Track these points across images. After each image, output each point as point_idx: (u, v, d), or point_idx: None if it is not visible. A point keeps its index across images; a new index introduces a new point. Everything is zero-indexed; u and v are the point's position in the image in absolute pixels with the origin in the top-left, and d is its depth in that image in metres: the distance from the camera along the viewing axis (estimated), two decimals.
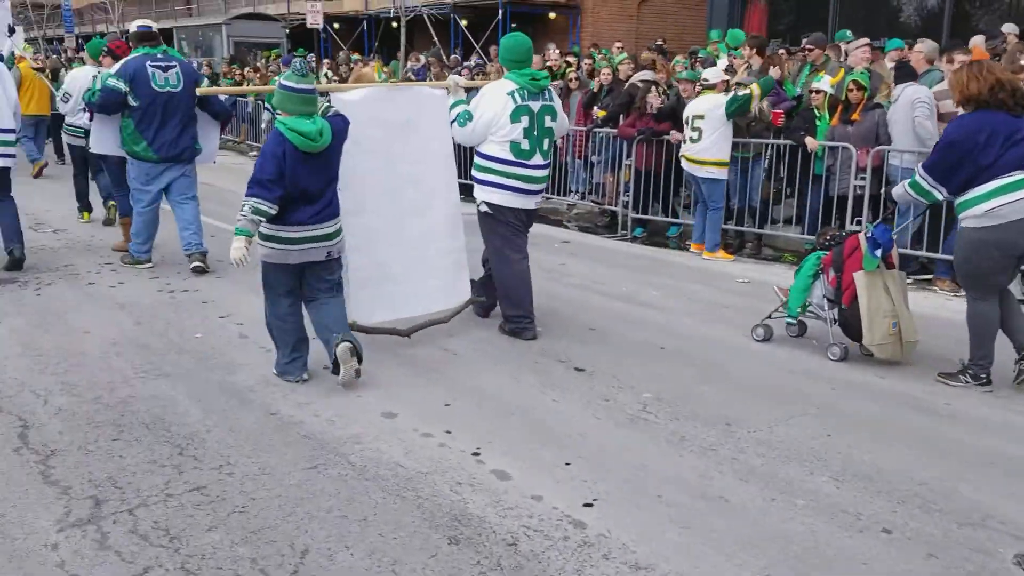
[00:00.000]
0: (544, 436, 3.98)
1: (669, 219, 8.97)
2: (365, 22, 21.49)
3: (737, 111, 7.56)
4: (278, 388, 4.48)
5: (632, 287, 6.92)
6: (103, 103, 6.49)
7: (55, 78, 12.39)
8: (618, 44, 12.79)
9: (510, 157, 5.11)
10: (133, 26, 6.98)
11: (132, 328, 5.51)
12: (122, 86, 6.41)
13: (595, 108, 9.53)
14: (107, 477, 3.49)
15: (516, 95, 5.07)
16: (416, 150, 5.20)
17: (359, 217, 4.91)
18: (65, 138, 9.07)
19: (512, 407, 4.33)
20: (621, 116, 9.07)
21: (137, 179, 6.71)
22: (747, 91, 7.53)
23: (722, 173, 7.82)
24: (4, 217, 6.78)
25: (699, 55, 11.37)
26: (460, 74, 10.11)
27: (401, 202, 5.15)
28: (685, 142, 7.93)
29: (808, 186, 7.72)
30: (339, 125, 4.40)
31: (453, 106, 5.23)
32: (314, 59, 21.62)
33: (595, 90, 9.81)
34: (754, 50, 8.87)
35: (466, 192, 5.58)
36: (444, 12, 18.43)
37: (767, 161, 8.26)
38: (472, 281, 5.65)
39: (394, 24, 21.59)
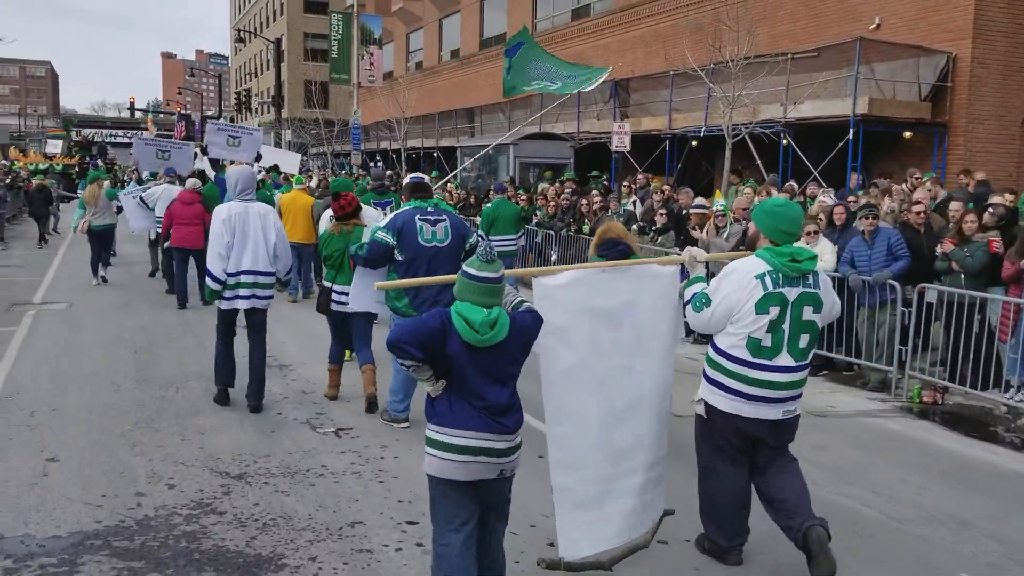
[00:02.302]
0: None
1: None
2: (668, 142, 18.81)
3: None
4: None
5: None
6: (370, 256, 6.37)
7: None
8: None
9: (745, 356, 4.21)
10: (406, 178, 6.90)
11: None
12: (390, 239, 6.28)
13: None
14: None
15: (768, 279, 4.18)
16: (631, 339, 4.33)
17: (561, 426, 4.13)
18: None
19: None
20: None
21: None
22: None
23: None
24: (253, 353, 7.25)
25: None
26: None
27: (610, 406, 4.29)
28: None
29: None
30: (525, 321, 3.74)
31: (690, 283, 4.47)
32: (606, 179, 19.39)
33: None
34: None
35: None
36: (774, 130, 15.24)
37: None
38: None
39: (693, 143, 18.93)
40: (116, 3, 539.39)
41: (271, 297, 7.30)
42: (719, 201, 11.48)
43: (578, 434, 4.19)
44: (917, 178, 12.60)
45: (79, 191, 23.35)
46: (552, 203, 15.89)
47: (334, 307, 7.24)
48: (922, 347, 8.89)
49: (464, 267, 3.67)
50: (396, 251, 6.29)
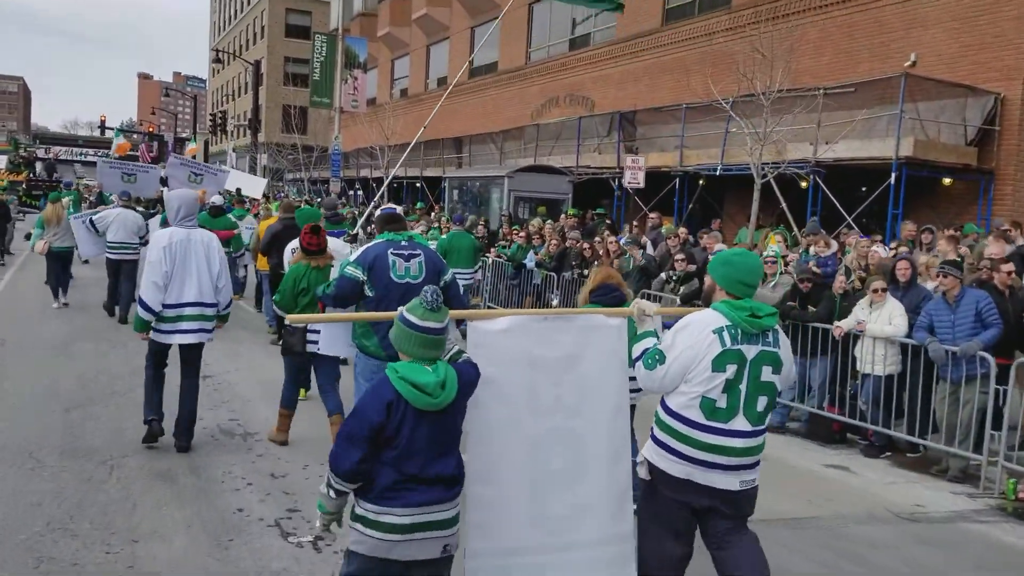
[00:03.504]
0: None
1: None
2: (678, 179, 17.41)
3: None
4: None
5: None
6: (339, 293, 5.70)
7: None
8: None
9: (697, 418, 3.80)
10: (378, 211, 6.56)
11: None
12: (360, 275, 5.68)
13: None
14: None
15: (726, 334, 3.80)
16: (572, 397, 3.91)
17: (484, 487, 3.74)
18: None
19: None
20: None
21: (362, 374, 5.77)
22: None
23: None
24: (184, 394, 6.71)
25: None
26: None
27: (546, 469, 3.86)
28: None
29: None
30: (469, 375, 3.41)
31: (638, 339, 4.01)
32: (607, 218, 17.97)
33: None
34: None
35: None
36: (806, 171, 13.85)
37: None
38: None
39: (700, 182, 17.59)
40: (95, 23, 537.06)
41: (213, 331, 6.81)
42: (772, 247, 10.03)
43: (504, 497, 3.80)
44: (957, 229, 11.32)
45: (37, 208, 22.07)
46: (554, 242, 14.46)
47: (310, 348, 6.67)
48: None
49: (404, 313, 3.29)
50: (366, 287, 5.73)
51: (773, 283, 9.62)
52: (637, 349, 4.01)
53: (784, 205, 13.99)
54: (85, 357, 9.88)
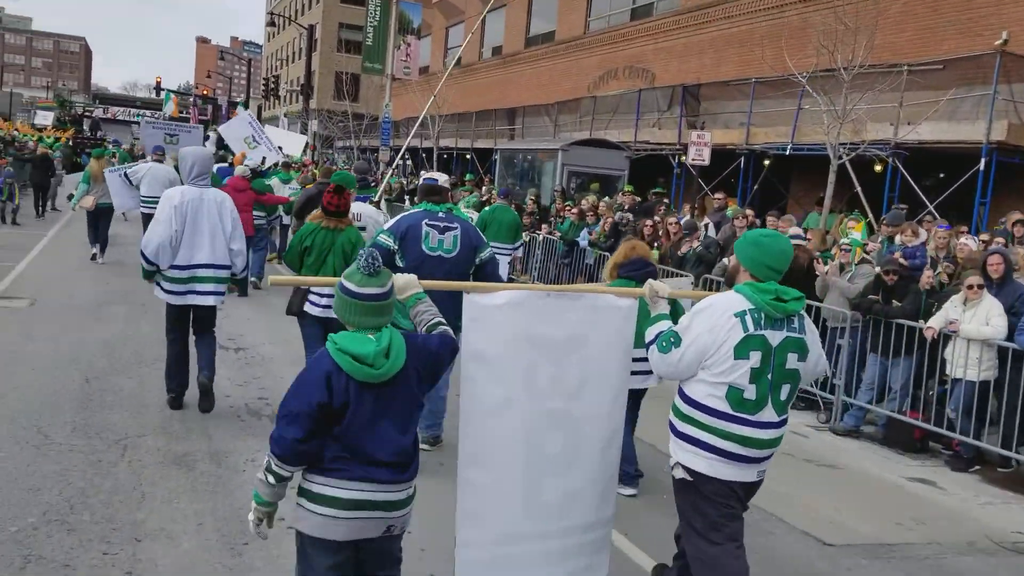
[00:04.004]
0: None
1: None
2: (743, 158, 16.45)
3: None
4: None
5: None
6: None
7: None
8: None
9: (725, 408, 3.55)
10: (421, 177, 6.42)
11: None
12: (392, 243, 5.58)
13: None
14: None
15: (749, 318, 3.53)
16: (574, 379, 3.69)
17: (477, 471, 3.54)
18: None
19: None
20: None
21: None
22: None
23: None
24: (201, 348, 6.62)
25: None
26: None
27: (541, 454, 3.63)
28: None
29: None
30: (430, 344, 3.14)
31: (651, 322, 3.82)
32: (666, 199, 17.13)
33: None
34: None
35: None
36: (887, 153, 12.83)
37: None
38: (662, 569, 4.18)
39: (765, 162, 16.63)
40: None
41: (222, 294, 6.67)
42: (854, 234, 9.17)
43: (497, 483, 3.59)
44: None
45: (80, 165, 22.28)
46: (609, 220, 13.70)
47: (309, 309, 6.22)
48: None
49: (342, 280, 3.05)
50: (398, 257, 5.61)
51: (851, 274, 8.78)
52: (651, 332, 3.80)
53: (859, 189, 13.02)
54: (115, 321, 9.42)
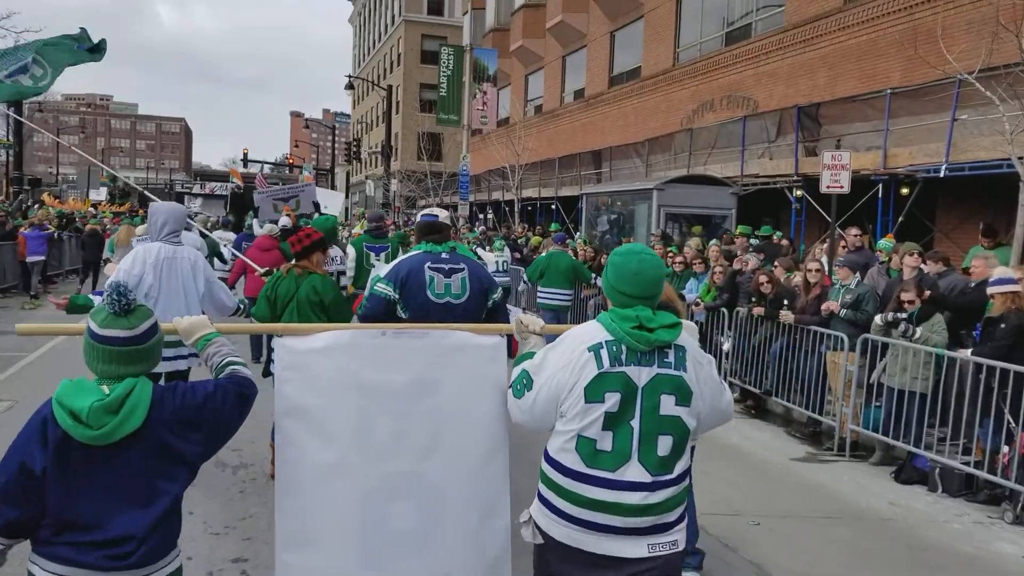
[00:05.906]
0: None
1: None
2: (881, 185, 13.64)
3: None
4: None
5: None
6: (367, 314, 5.03)
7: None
8: None
9: (575, 464, 2.87)
10: (419, 215, 5.70)
11: None
12: (391, 292, 4.99)
13: None
14: None
15: (604, 352, 2.85)
16: (423, 434, 3.19)
17: (298, 555, 3.07)
18: None
19: None
20: None
21: None
22: None
23: None
24: None
25: None
26: None
27: (384, 530, 3.13)
28: None
29: None
30: (195, 395, 2.64)
31: (517, 361, 3.18)
32: (781, 235, 14.47)
33: None
34: None
35: None
36: None
37: None
38: None
39: (903, 191, 13.79)
40: (252, 69, 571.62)
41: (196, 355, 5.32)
42: None
43: (325, 569, 3.04)
44: None
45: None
46: (720, 269, 11.18)
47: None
48: None
49: (88, 317, 2.64)
50: (399, 308, 4.92)
51: None
52: (513, 373, 3.13)
53: None
54: None
